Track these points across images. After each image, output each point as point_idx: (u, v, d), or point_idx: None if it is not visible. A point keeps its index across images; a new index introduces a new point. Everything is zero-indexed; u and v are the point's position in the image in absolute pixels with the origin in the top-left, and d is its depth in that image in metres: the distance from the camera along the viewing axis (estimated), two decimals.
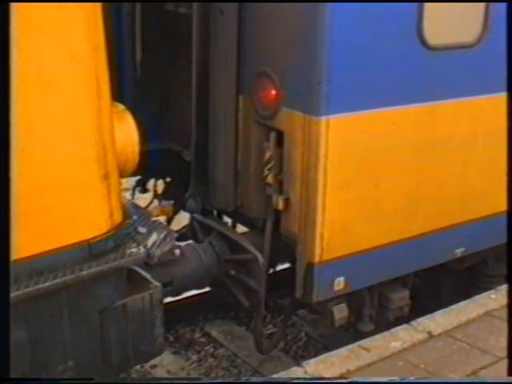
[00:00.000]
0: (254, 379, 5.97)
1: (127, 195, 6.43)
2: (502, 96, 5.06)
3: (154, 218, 5.01)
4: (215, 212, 5.75)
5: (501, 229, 5.04)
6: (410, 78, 4.86)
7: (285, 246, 5.10)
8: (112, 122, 4.34)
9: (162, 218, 6.34)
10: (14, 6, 3.37)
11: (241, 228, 6.01)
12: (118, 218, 4.43)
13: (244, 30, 4.90)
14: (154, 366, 6.27)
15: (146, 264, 4.52)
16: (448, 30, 5.01)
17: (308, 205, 4.76)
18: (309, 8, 4.45)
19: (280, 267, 5.91)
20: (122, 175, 4.70)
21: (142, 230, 4.71)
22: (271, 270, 5.62)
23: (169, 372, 6.35)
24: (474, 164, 5.37)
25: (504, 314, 5.01)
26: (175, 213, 6.62)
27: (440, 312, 5.35)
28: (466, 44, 5.08)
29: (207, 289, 6.19)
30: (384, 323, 5.50)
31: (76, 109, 3.99)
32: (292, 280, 5.04)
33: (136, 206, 5.13)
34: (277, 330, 6.49)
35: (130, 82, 5.87)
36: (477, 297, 5.63)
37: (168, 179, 6.64)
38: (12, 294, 3.86)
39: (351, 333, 6.06)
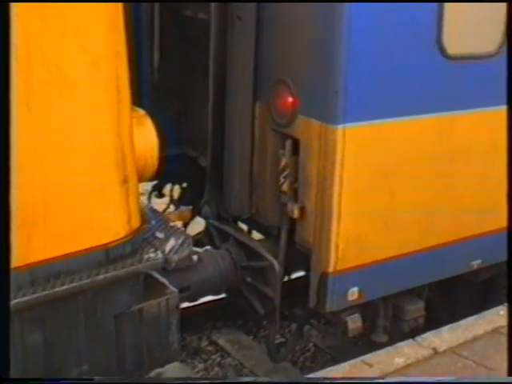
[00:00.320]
0: (253, 379, 5.94)
1: (144, 200, 6.47)
2: None
3: (172, 224, 5.03)
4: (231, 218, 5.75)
5: None
6: (428, 88, 4.85)
7: (300, 255, 5.10)
8: (131, 126, 4.36)
9: (179, 224, 6.38)
10: (14, 6, 3.38)
11: (256, 235, 6.01)
12: (136, 222, 4.44)
13: (262, 36, 4.92)
14: (159, 374, 6.23)
15: (164, 269, 4.54)
16: (468, 39, 5.01)
17: (323, 214, 4.76)
18: (326, 16, 4.46)
19: (295, 275, 5.90)
20: (140, 180, 4.72)
21: (160, 235, 4.73)
22: (286, 278, 5.62)
23: None
24: (493, 175, 5.33)
25: None
26: (191, 218, 6.65)
27: (446, 328, 5.28)
28: (486, 54, 5.07)
29: (216, 297, 6.19)
30: (398, 334, 5.47)
31: (96, 113, 4.01)
32: (306, 289, 5.04)
33: (154, 211, 5.15)
34: (290, 339, 6.45)
35: (148, 87, 5.90)
36: (485, 312, 5.55)
37: (184, 185, 6.66)
38: (28, 297, 3.91)
39: (360, 345, 6.01)
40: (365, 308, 5.28)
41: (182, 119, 6.08)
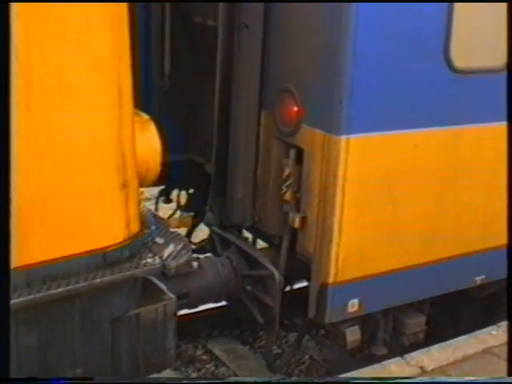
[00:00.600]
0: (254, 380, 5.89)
1: (150, 205, 6.47)
2: None
3: (172, 229, 5.02)
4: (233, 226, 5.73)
5: None
6: (434, 101, 4.80)
7: (302, 265, 5.06)
8: (133, 130, 4.36)
9: (183, 230, 6.37)
10: (14, 6, 3.39)
11: (261, 244, 5.98)
12: (135, 227, 4.44)
13: (268, 44, 4.90)
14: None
15: (164, 275, 4.53)
16: (475, 53, 4.96)
17: (324, 224, 4.72)
18: (332, 26, 4.44)
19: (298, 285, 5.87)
20: (142, 184, 4.72)
21: (160, 240, 4.73)
22: (288, 288, 5.59)
23: None
24: (497, 190, 5.27)
25: (503, 352, 4.82)
26: (196, 225, 6.64)
27: (436, 346, 5.20)
28: (494, 68, 5.01)
29: (213, 305, 6.14)
30: (398, 348, 5.42)
31: (96, 116, 4.01)
32: (306, 299, 5.00)
33: (155, 216, 5.15)
34: (288, 348, 6.41)
35: (158, 93, 5.91)
36: (477, 332, 5.46)
37: (191, 190, 6.66)
38: (23, 298, 3.91)
39: (358, 359, 5.94)
40: (365, 321, 5.23)
41: (191, 125, 6.09)
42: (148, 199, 7.46)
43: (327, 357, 6.71)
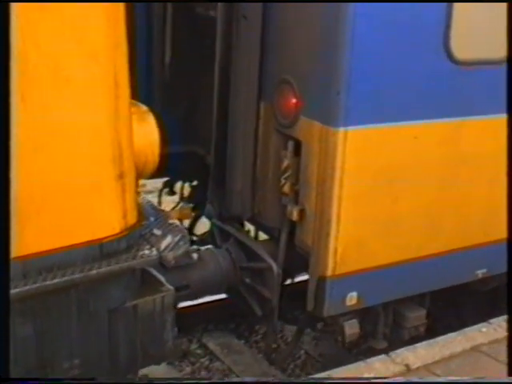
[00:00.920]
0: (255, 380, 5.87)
1: (153, 197, 6.47)
2: None
3: (171, 221, 5.00)
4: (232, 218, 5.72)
5: None
6: (434, 93, 4.76)
7: (301, 257, 5.04)
8: (130, 121, 4.33)
9: (185, 222, 6.35)
10: (13, 5, 3.38)
11: (263, 236, 5.96)
12: (132, 218, 4.42)
13: (267, 36, 4.87)
14: (144, 375, 6.16)
15: (163, 266, 4.52)
16: (476, 45, 4.91)
17: (322, 217, 4.70)
18: (330, 17, 4.41)
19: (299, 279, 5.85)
20: (141, 176, 4.70)
21: (158, 232, 4.70)
22: (288, 281, 5.57)
23: None
24: (499, 183, 5.22)
25: (492, 350, 4.71)
26: (198, 217, 6.64)
27: (424, 343, 5.11)
28: (495, 60, 4.96)
29: (209, 299, 6.13)
30: (398, 342, 5.40)
31: (92, 107, 3.98)
32: (305, 292, 4.98)
33: (154, 208, 5.13)
34: (289, 341, 6.40)
35: (158, 85, 5.89)
36: (466, 329, 5.36)
37: (194, 183, 6.65)
38: (19, 289, 3.91)
39: (354, 353, 5.89)
40: (364, 314, 5.21)
41: (192, 117, 6.07)
42: (150, 192, 7.49)
43: (323, 352, 6.63)
